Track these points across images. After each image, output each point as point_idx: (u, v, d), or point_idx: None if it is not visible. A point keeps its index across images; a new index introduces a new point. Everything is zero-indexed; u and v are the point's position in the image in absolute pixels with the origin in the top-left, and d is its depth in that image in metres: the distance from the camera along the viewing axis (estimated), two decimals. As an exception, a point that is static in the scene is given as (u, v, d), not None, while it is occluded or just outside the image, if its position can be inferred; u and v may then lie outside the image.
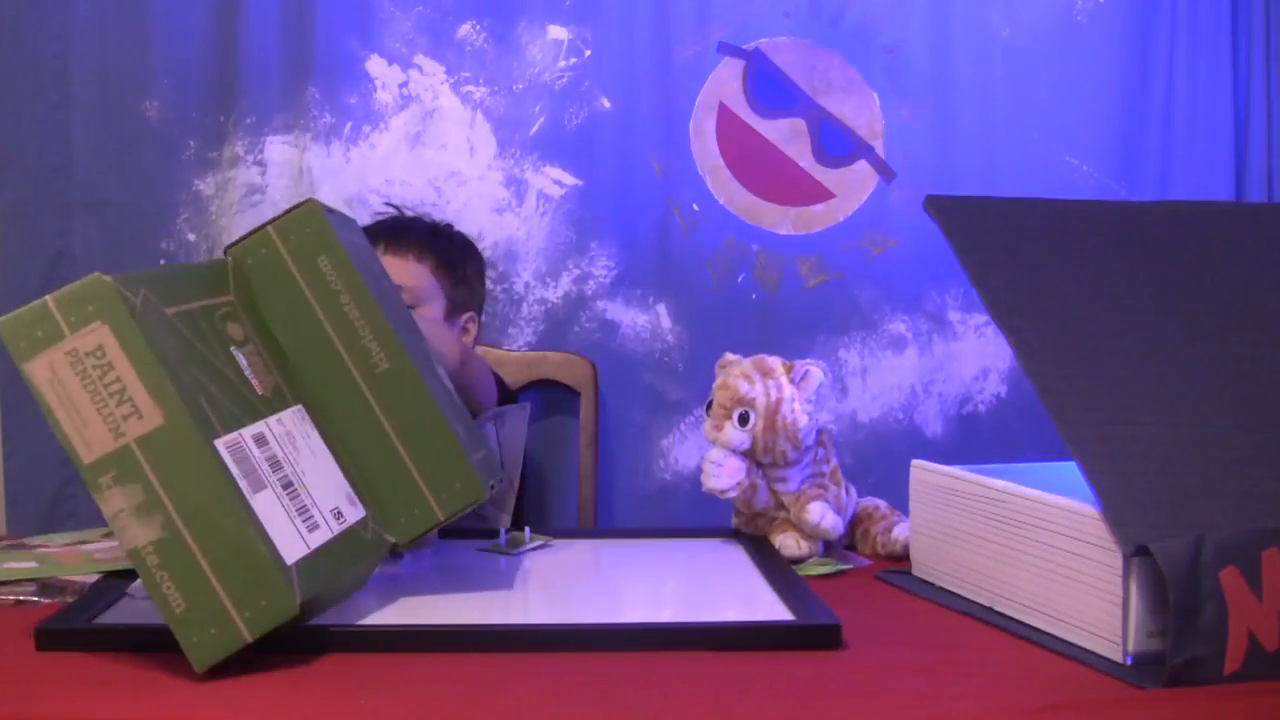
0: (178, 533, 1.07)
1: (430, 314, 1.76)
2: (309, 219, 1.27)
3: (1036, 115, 2.18)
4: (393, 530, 1.26)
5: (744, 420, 1.49)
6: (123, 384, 1.07)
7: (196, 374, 1.13)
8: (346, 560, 1.20)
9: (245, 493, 1.10)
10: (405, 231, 1.81)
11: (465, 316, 1.85)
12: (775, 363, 1.53)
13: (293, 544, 1.12)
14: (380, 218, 1.90)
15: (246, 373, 1.20)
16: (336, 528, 1.19)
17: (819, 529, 1.50)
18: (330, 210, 1.31)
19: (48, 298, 1.09)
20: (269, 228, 1.27)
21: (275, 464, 1.16)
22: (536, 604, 1.34)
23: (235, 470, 1.10)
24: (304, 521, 1.15)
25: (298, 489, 1.17)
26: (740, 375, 1.51)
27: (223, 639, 1.07)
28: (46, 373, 1.08)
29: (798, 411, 1.50)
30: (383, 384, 1.26)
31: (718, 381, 1.54)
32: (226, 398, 1.15)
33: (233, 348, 1.20)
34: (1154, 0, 2.19)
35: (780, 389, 1.50)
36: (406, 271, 1.75)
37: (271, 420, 1.19)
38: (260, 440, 1.16)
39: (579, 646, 1.15)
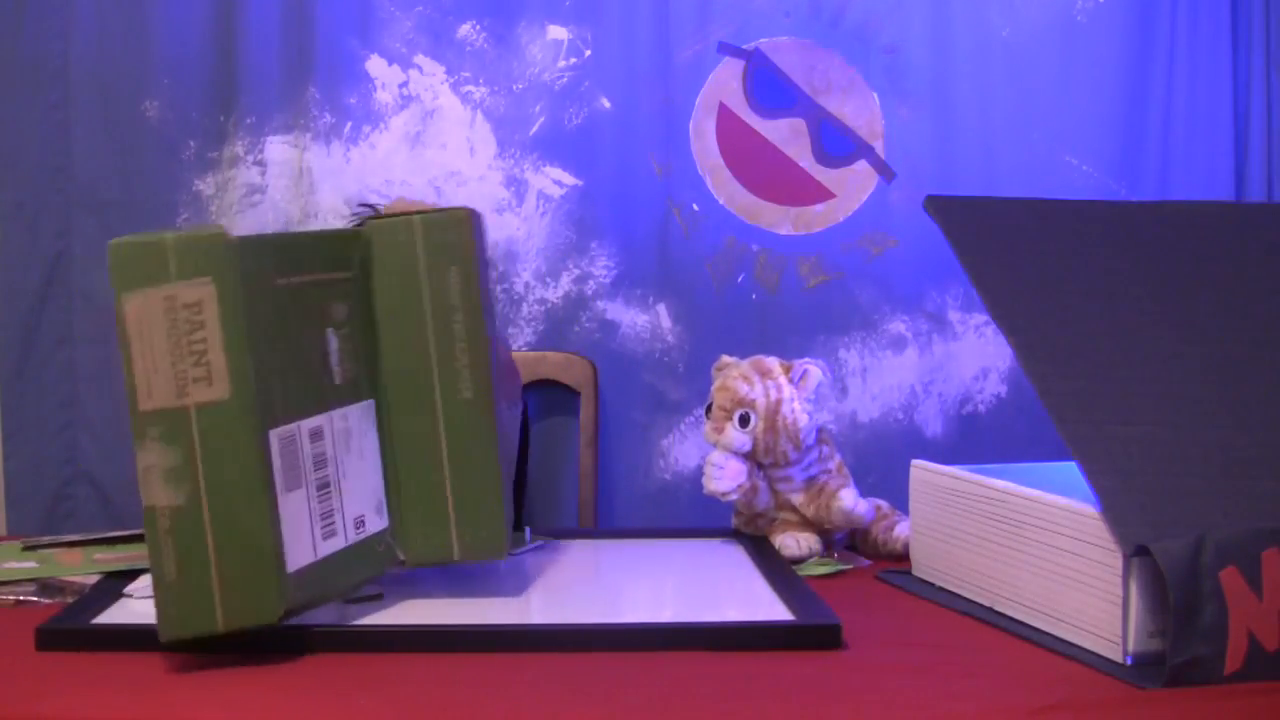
0: (198, 507, 1.06)
1: None
2: (459, 226, 1.24)
3: (1036, 115, 2.18)
4: (407, 548, 1.26)
5: (744, 421, 1.49)
6: (206, 346, 1.06)
7: (280, 354, 1.12)
8: (350, 570, 1.20)
9: (278, 489, 1.09)
10: None
11: None
12: (773, 363, 1.53)
13: (302, 551, 1.12)
14: (357, 217, 1.89)
15: (332, 358, 1.19)
16: (353, 537, 1.19)
17: (853, 516, 1.49)
18: (476, 216, 1.28)
19: (168, 235, 1.06)
20: (417, 218, 1.24)
21: (320, 461, 1.15)
22: (536, 604, 1.34)
23: (278, 464, 1.09)
24: (324, 527, 1.15)
25: (331, 491, 1.16)
26: (739, 377, 1.51)
27: (197, 619, 1.07)
28: (139, 310, 1.06)
29: (798, 411, 1.50)
30: (459, 412, 1.24)
31: (716, 383, 1.54)
32: (301, 383, 1.14)
33: (329, 329, 1.19)
34: (1154, 0, 2.19)
35: (780, 389, 1.50)
36: None
37: (335, 414, 1.18)
38: (316, 435, 1.15)
39: (579, 646, 1.15)
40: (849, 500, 1.49)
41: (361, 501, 1.21)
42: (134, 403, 1.06)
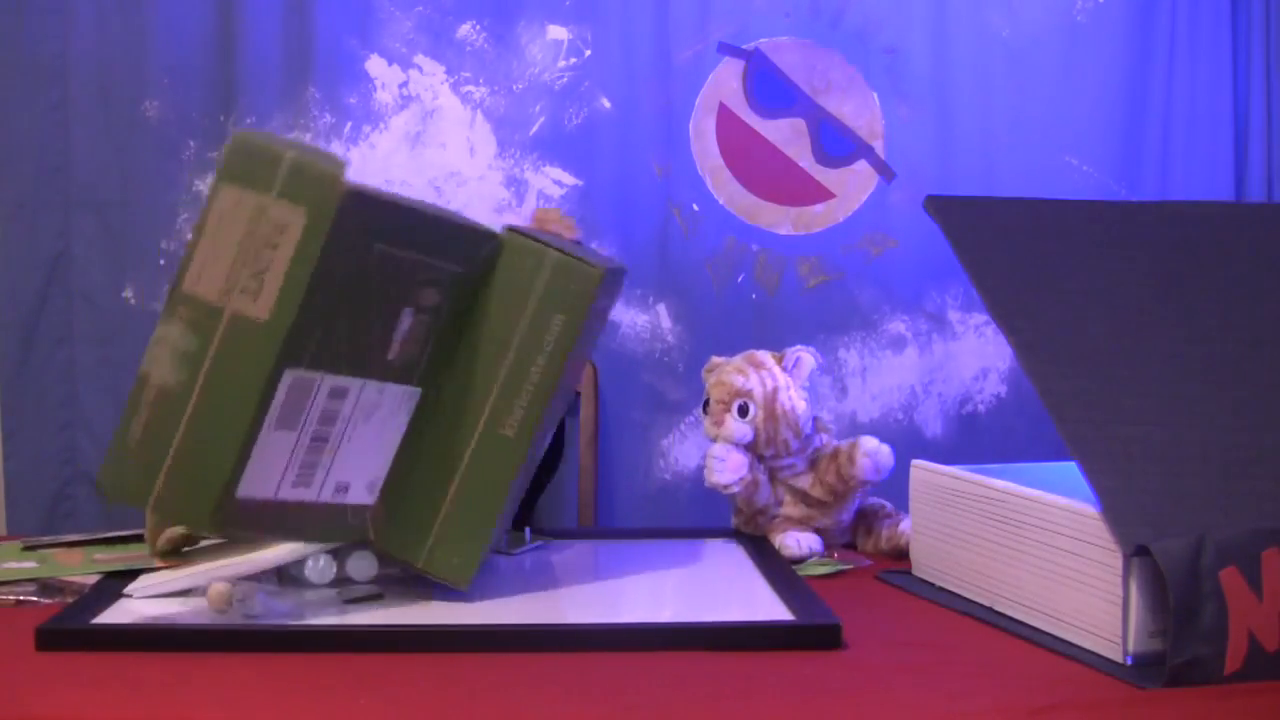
0: (187, 397, 1.07)
1: None
2: (585, 282, 1.24)
3: (1036, 115, 2.18)
4: (379, 534, 1.26)
5: (743, 412, 1.50)
6: (269, 266, 1.06)
7: (339, 310, 1.11)
8: (309, 525, 1.20)
9: (267, 422, 1.09)
10: None
11: None
12: (765, 355, 1.55)
13: (262, 485, 1.12)
14: None
15: (396, 334, 1.19)
16: (326, 497, 1.19)
17: (880, 456, 1.49)
18: (613, 273, 1.28)
19: (290, 153, 1.06)
20: (552, 253, 1.24)
21: (329, 418, 1.15)
22: (537, 604, 1.34)
23: (279, 399, 1.09)
24: (296, 474, 1.15)
25: (324, 448, 1.16)
26: (733, 370, 1.53)
27: (133, 490, 1.08)
28: (229, 204, 1.06)
29: (795, 398, 1.51)
30: (493, 445, 1.25)
31: (711, 381, 1.55)
32: (347, 345, 1.14)
33: (408, 308, 1.18)
34: (1154, 0, 2.19)
35: (774, 378, 1.51)
36: None
37: (371, 384, 1.18)
38: (338, 393, 1.15)
39: (579, 646, 1.15)
40: (870, 443, 1.50)
41: (354, 471, 1.21)
42: (180, 279, 1.07)
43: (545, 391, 1.24)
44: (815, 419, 1.57)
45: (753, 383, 1.51)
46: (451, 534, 1.25)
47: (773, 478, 1.55)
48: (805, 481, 1.54)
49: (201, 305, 1.06)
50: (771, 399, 1.50)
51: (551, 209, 1.59)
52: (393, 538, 1.26)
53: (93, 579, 1.35)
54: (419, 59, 2.10)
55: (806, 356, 1.53)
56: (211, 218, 1.07)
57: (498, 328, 1.24)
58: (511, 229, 1.27)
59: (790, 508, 1.55)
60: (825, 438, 1.57)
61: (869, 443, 1.51)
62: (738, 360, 1.55)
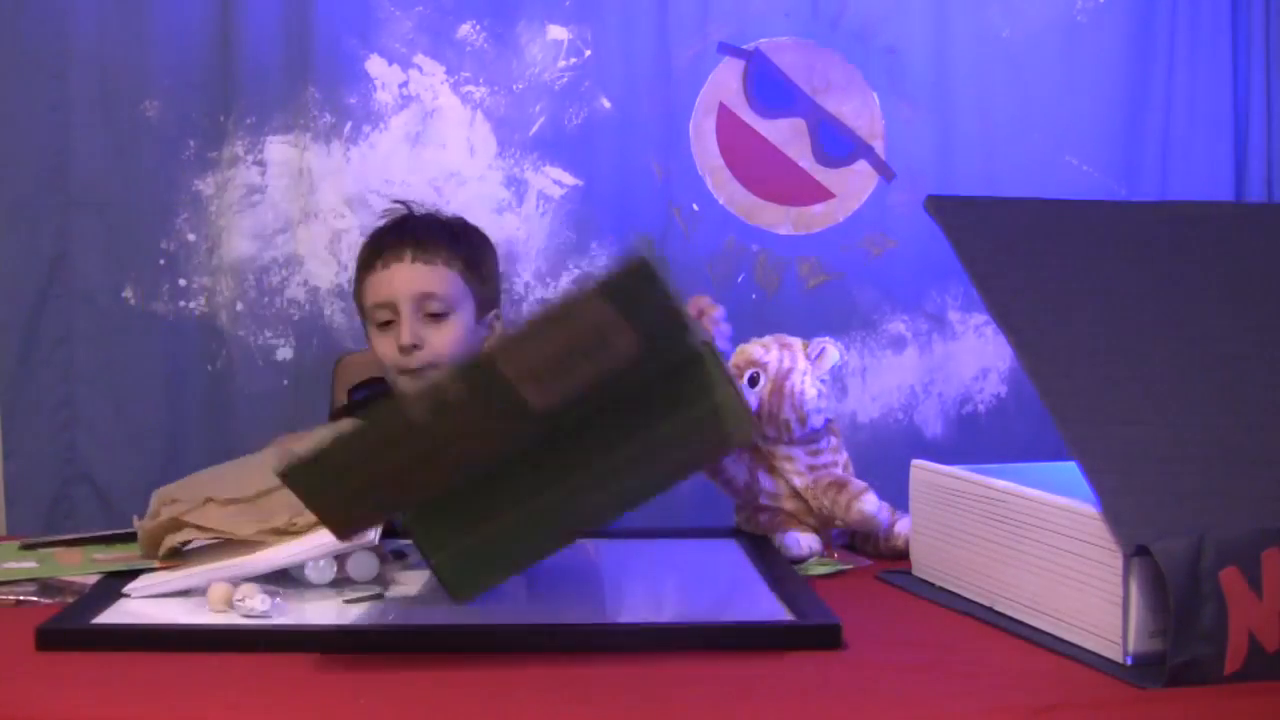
0: (420, 439, 1.06)
1: (464, 319, 1.74)
2: (738, 430, 1.26)
3: (1036, 115, 2.18)
4: (415, 517, 1.26)
5: (754, 382, 1.53)
6: (573, 371, 1.05)
7: (594, 398, 1.12)
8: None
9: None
10: (430, 238, 1.78)
11: (491, 314, 1.84)
12: (795, 340, 1.57)
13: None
14: (389, 215, 1.87)
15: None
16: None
17: (874, 521, 1.50)
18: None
19: (671, 297, 1.05)
20: (724, 391, 1.22)
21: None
22: (536, 604, 1.34)
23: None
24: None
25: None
26: (759, 344, 1.56)
27: (321, 496, 1.10)
28: (587, 308, 1.03)
29: (807, 384, 1.52)
30: (563, 508, 1.24)
31: (737, 350, 1.58)
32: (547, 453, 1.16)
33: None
34: (1154, 0, 2.19)
35: (794, 359, 1.54)
36: (439, 279, 1.73)
37: None
38: None
39: (579, 646, 1.15)
40: (871, 506, 1.50)
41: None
42: (497, 340, 1.05)
43: (633, 502, 1.25)
44: (829, 421, 1.57)
45: (770, 357, 1.54)
46: (480, 555, 1.25)
47: (771, 467, 1.55)
48: (801, 482, 1.54)
49: (492, 370, 1.05)
50: (783, 376, 1.52)
51: (711, 305, 1.59)
52: (421, 525, 1.26)
53: (93, 579, 1.34)
54: (419, 59, 2.10)
55: (831, 349, 1.55)
56: (563, 306, 1.04)
57: (634, 421, 1.23)
58: (707, 343, 1.25)
59: (787, 500, 1.55)
60: (836, 440, 1.57)
61: (870, 504, 1.50)
62: (769, 338, 1.58)
